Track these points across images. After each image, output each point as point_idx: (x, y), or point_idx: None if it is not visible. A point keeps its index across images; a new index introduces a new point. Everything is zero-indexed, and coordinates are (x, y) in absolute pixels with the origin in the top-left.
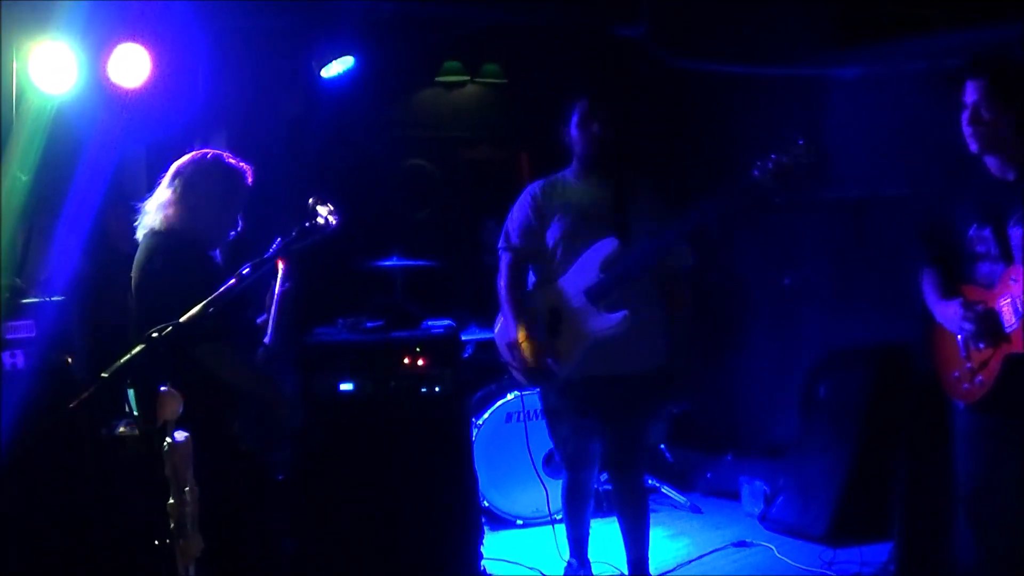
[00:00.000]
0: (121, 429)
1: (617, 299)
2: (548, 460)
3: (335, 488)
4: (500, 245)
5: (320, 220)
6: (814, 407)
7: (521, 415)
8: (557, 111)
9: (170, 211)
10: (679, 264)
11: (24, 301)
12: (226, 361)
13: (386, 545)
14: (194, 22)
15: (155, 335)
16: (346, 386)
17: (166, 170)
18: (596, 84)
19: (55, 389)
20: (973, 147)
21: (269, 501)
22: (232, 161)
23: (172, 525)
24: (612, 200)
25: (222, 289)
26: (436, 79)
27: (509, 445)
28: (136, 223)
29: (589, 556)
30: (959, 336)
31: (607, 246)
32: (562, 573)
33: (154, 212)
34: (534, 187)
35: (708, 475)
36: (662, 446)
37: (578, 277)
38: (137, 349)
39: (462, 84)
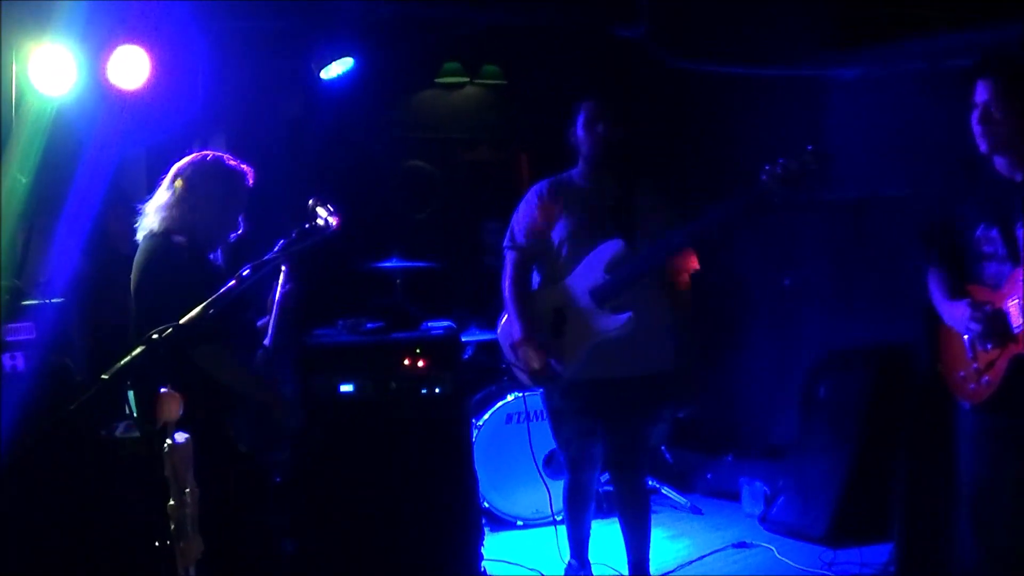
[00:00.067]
0: (121, 431)
1: (623, 301)
2: (548, 461)
3: (335, 489)
4: (505, 244)
5: (320, 221)
6: (814, 407)
7: (522, 416)
8: (557, 112)
9: (170, 213)
10: (684, 267)
11: (24, 303)
12: (225, 363)
13: (386, 546)
14: (193, 24)
15: (155, 336)
16: (346, 387)
17: (166, 172)
18: (596, 85)
19: (55, 391)
20: (983, 147)
21: (269, 502)
22: (232, 163)
23: (172, 526)
24: (618, 201)
25: (222, 291)
26: (436, 80)
27: (509, 446)
28: (136, 225)
29: (589, 557)
30: (966, 336)
31: (613, 247)
32: (562, 574)
33: (154, 214)
34: (540, 186)
35: (708, 476)
36: (662, 447)
37: (583, 278)
38: (137, 351)
39: (462, 85)
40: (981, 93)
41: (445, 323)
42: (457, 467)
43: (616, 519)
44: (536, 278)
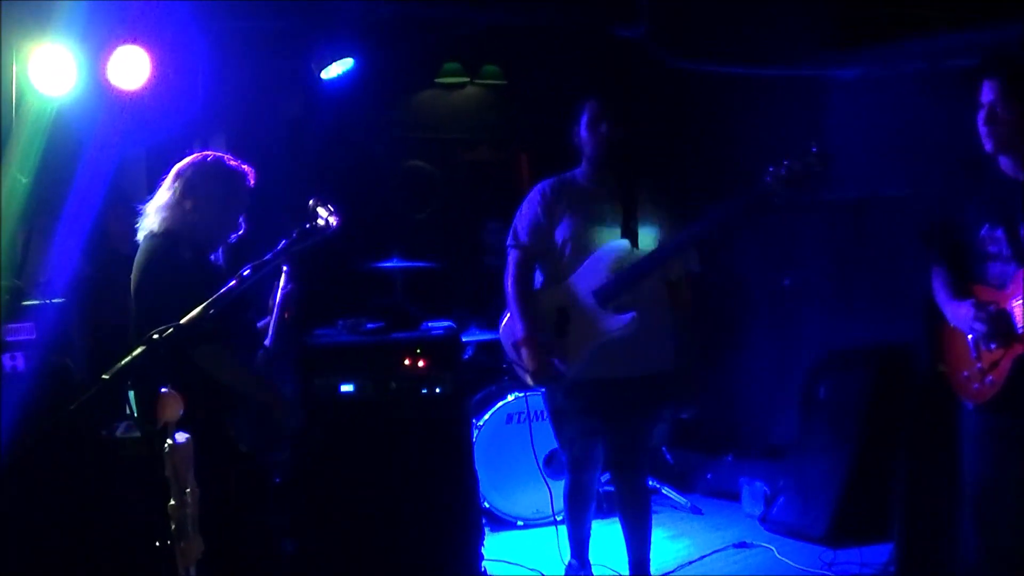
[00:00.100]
0: (121, 431)
1: (626, 301)
2: (549, 461)
3: (336, 489)
4: (508, 242)
5: (321, 221)
6: (814, 407)
7: (522, 416)
8: (557, 112)
9: (170, 213)
10: (687, 268)
11: (24, 303)
12: (225, 363)
13: (386, 546)
14: (194, 24)
15: (156, 336)
16: (347, 387)
17: (166, 172)
18: (596, 85)
19: (55, 391)
20: (988, 146)
21: (269, 502)
22: (233, 163)
23: (173, 527)
24: (622, 201)
25: (223, 291)
26: (436, 80)
27: (510, 446)
28: (136, 225)
29: (590, 557)
30: (970, 336)
31: (617, 247)
32: (563, 574)
33: (154, 214)
34: (544, 185)
35: (708, 476)
36: (663, 447)
37: (587, 278)
38: (138, 351)
39: (462, 85)
40: (987, 93)
41: (445, 323)
42: (457, 467)
43: (616, 519)
44: (538, 277)
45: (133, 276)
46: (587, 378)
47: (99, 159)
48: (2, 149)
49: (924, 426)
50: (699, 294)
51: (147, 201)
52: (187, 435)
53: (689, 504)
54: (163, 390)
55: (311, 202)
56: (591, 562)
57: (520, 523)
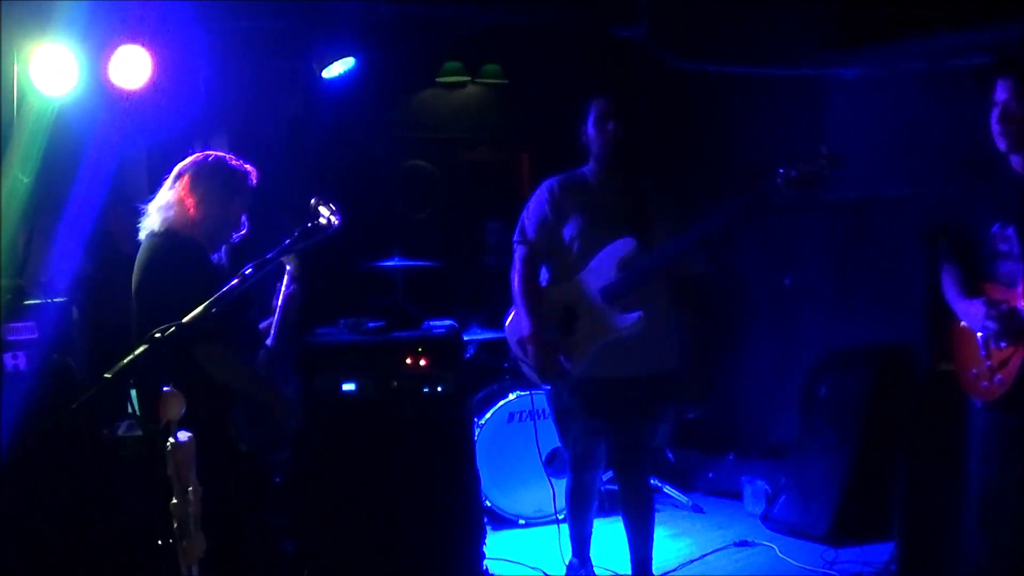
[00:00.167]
0: (123, 430)
1: (633, 299)
2: (550, 460)
3: (337, 488)
4: (515, 238)
5: (322, 221)
6: (814, 407)
7: (524, 415)
8: (557, 112)
9: (172, 213)
10: (694, 267)
11: (26, 302)
12: (227, 362)
13: (388, 545)
14: (194, 23)
15: (158, 336)
16: (348, 386)
17: (167, 172)
18: (596, 85)
19: (57, 390)
20: (1001, 144)
21: (270, 501)
22: (235, 163)
23: (175, 525)
24: (630, 200)
25: (224, 289)
26: (436, 80)
27: (511, 445)
28: (138, 224)
29: (591, 556)
30: (980, 334)
31: (625, 246)
32: (564, 573)
33: (156, 213)
34: (552, 182)
35: (710, 475)
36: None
37: (594, 276)
38: (140, 350)
39: (462, 85)
40: (1001, 91)
41: (447, 322)
42: (459, 466)
43: (618, 518)
44: (544, 275)
45: (135, 275)
46: (592, 376)
47: (100, 159)
48: (3, 149)
49: (924, 426)
50: (700, 294)
51: (148, 200)
52: (189, 434)
53: (691, 503)
54: (165, 389)
55: (312, 201)
56: (592, 561)
57: (522, 522)
